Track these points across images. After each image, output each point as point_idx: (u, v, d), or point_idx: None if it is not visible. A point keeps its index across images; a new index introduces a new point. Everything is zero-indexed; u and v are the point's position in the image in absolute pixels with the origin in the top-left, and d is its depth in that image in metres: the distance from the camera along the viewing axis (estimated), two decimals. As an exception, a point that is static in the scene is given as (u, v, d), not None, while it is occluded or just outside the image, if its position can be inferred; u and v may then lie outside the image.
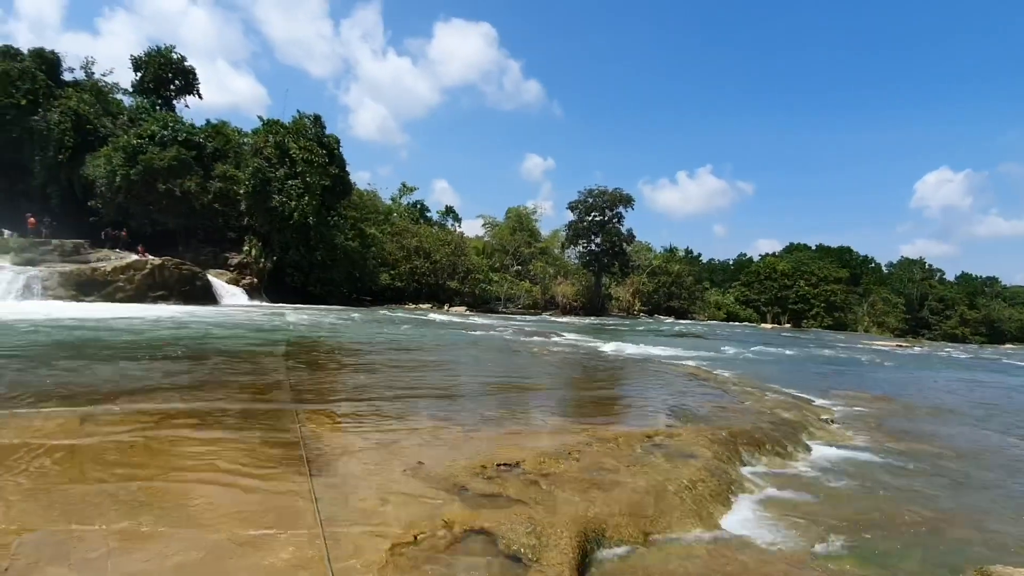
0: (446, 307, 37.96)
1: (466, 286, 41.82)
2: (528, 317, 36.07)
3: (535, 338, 16.19)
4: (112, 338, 9.45)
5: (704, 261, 79.98)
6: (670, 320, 50.34)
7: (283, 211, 29.12)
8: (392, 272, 38.53)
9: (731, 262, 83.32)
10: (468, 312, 35.64)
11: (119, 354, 7.60)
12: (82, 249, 21.68)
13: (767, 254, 79.84)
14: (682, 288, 60.19)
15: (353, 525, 2.46)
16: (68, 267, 19.47)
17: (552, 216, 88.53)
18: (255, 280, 29.03)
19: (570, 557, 2.51)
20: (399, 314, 26.43)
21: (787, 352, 18.53)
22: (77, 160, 26.64)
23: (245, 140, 31.77)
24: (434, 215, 56.75)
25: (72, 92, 28.56)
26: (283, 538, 2.29)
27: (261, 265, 29.74)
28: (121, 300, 19.53)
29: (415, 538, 2.42)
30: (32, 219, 23.98)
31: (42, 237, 22.65)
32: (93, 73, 31.99)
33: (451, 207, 60.07)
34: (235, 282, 27.41)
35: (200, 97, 35.70)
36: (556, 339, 16.39)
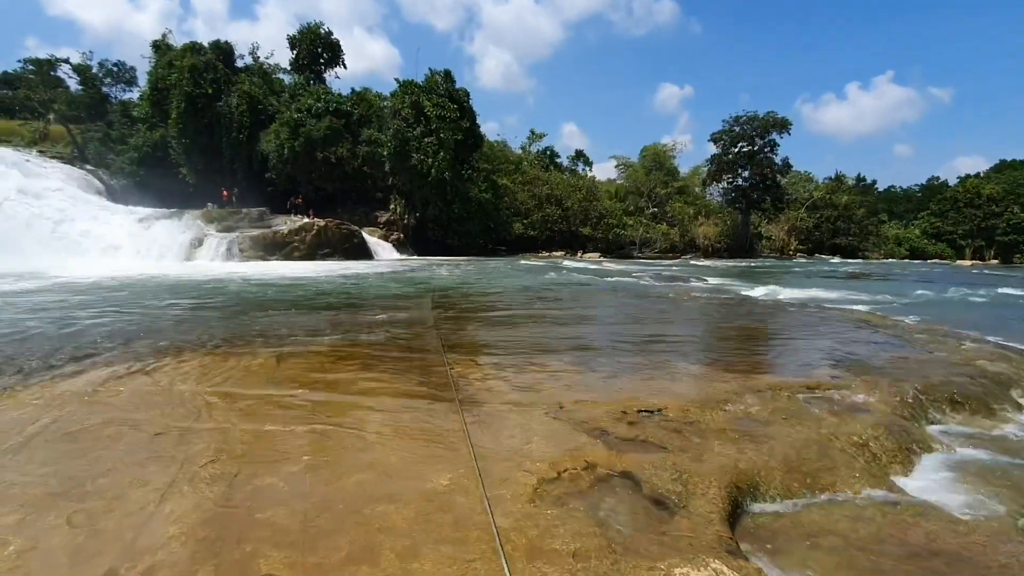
0: (579, 254, 37.83)
1: (599, 232, 41.10)
2: (665, 262, 34.50)
3: (675, 283, 15.48)
4: (296, 291, 11.03)
5: (880, 190, 68.74)
6: (835, 260, 44.62)
7: (421, 168, 30.83)
8: (525, 221, 39.16)
9: (917, 189, 70.53)
10: (602, 258, 35.15)
11: (299, 304, 8.85)
12: (265, 216, 25.30)
13: (968, 175, 66.01)
14: (851, 222, 52.66)
15: (501, 460, 2.61)
16: (255, 232, 22.93)
17: (691, 152, 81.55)
18: (401, 235, 31.55)
19: (719, 507, 2.40)
20: (533, 262, 26.95)
21: (999, 291, 15.40)
22: (254, 137, 30.71)
23: (385, 104, 33.83)
24: (564, 161, 55.88)
25: (244, 77, 32.62)
26: (440, 467, 2.50)
27: (406, 221, 32.12)
28: (297, 258, 22.61)
29: (559, 475, 2.49)
30: (226, 192, 28.49)
31: (234, 207, 26.85)
32: (259, 57, 36.08)
33: (581, 151, 58.59)
34: (385, 238, 30.10)
35: (345, 67, 38.55)
36: (697, 284, 15.49)
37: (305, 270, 17.50)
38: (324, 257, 23.39)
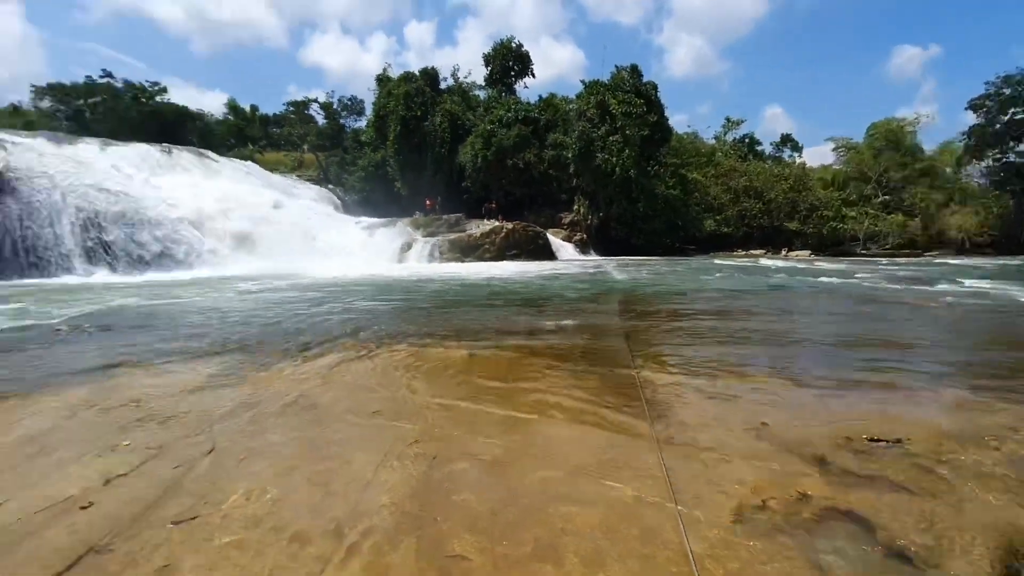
0: (784, 252, 33.70)
1: (809, 226, 36.08)
2: (901, 260, 28.71)
3: (914, 286, 12.74)
4: (486, 289, 11.88)
5: None
6: None
7: (606, 168, 30.72)
8: (718, 217, 36.34)
9: None
10: (813, 256, 30.80)
11: (488, 303, 9.48)
12: (460, 221, 27.85)
13: None
14: None
15: (694, 477, 2.37)
16: (453, 236, 25.39)
17: (937, 126, 66.34)
18: (584, 236, 31.84)
19: (986, 573, 1.84)
20: (728, 262, 24.81)
21: None
22: (454, 151, 34.06)
23: (570, 106, 34.56)
24: (766, 148, 50.40)
25: (446, 97, 36.39)
26: (626, 476, 2.38)
27: (589, 222, 32.33)
28: (488, 259, 24.40)
29: (764, 503, 2.17)
30: (429, 202, 32.14)
31: (436, 214, 30.11)
32: (458, 77, 39.91)
33: (788, 136, 52.28)
34: (568, 239, 30.72)
35: (533, 76, 40.43)
36: (948, 287, 12.52)
37: (494, 270, 18.80)
38: (512, 258, 24.85)
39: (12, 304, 10.17)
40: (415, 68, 43.08)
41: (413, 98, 34.80)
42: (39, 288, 14.16)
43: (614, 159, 30.30)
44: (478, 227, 26.82)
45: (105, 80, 40.45)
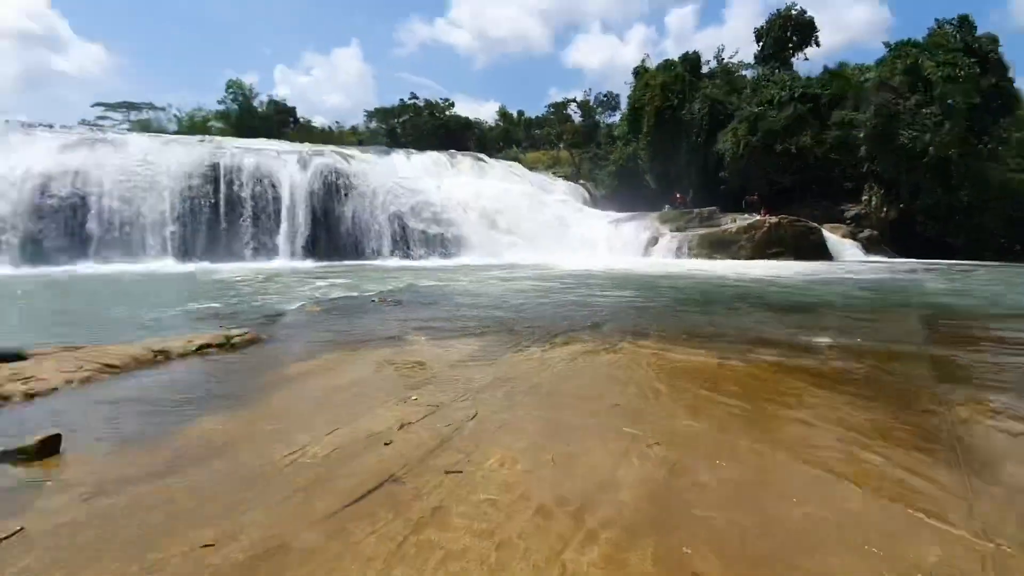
0: None
1: None
2: None
3: None
4: (744, 289, 10.85)
5: None
6: None
7: (913, 148, 24.70)
8: (1096, 211, 25.92)
9: None
10: None
11: (747, 304, 8.62)
12: (714, 215, 25.94)
13: None
14: None
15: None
16: (704, 230, 23.83)
17: None
18: (874, 233, 26.29)
19: None
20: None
21: None
22: (711, 140, 31.84)
23: (867, 76, 28.75)
24: None
25: (707, 82, 34.12)
26: (925, 533, 1.87)
27: (882, 215, 26.58)
28: (743, 257, 22.19)
29: None
30: (679, 196, 30.75)
31: (687, 208, 28.67)
32: (723, 59, 36.97)
33: None
34: (851, 236, 25.78)
35: (817, 45, 34.89)
36: None
37: (753, 269, 17.00)
38: (773, 256, 22.10)
39: (344, 279, 13.54)
40: (674, 55, 41.53)
41: (670, 87, 33.67)
42: (360, 268, 18.51)
43: (927, 136, 24.03)
44: (734, 221, 24.60)
45: (412, 101, 50.24)
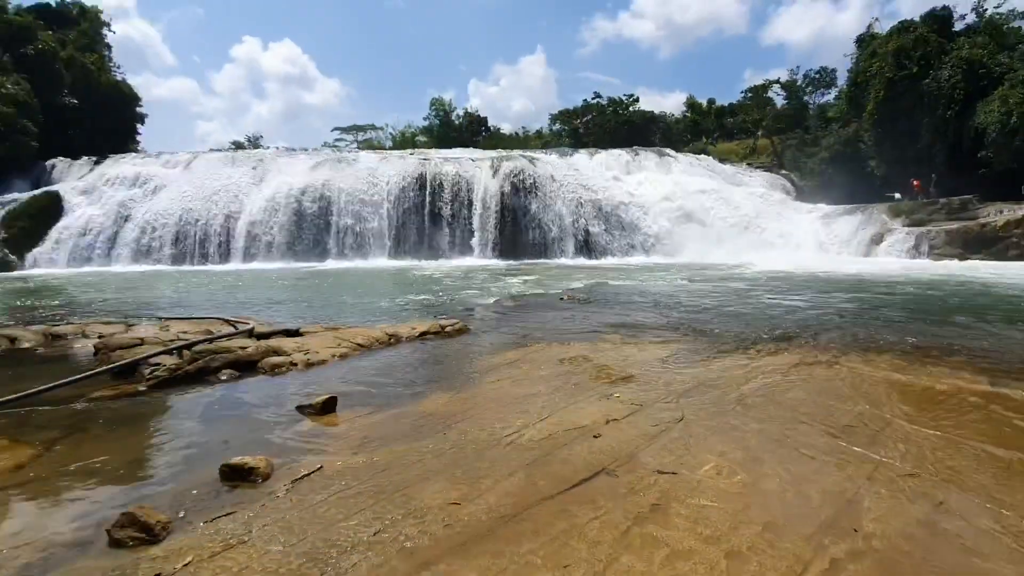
0: None
1: None
2: None
3: None
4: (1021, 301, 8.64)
5: None
6: None
7: None
8: None
9: None
10: None
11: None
12: (969, 205, 20.92)
13: None
14: None
15: None
16: (953, 225, 19.37)
17: None
18: None
19: None
20: None
21: None
22: (966, 112, 25.69)
23: None
24: None
25: (962, 41, 27.62)
26: None
27: None
28: (1013, 257, 17.49)
29: None
30: (916, 182, 25.40)
31: (929, 197, 23.60)
32: (984, 10, 29.58)
33: None
34: None
35: None
36: None
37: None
38: (1060, 257, 16.98)
39: (530, 276, 14.21)
40: (910, 16, 34.56)
41: (908, 52, 27.98)
42: (545, 266, 19.22)
43: None
44: (999, 213, 19.54)
45: (595, 100, 50.32)
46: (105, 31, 38.12)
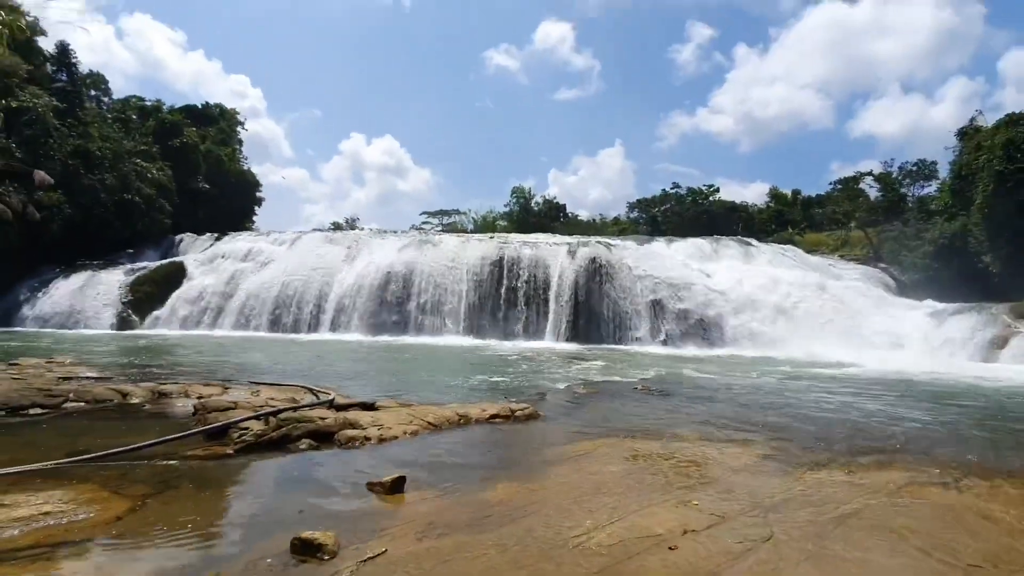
0: None
1: None
2: None
3: None
4: None
5: None
6: None
7: None
8: None
9: None
10: None
11: None
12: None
13: None
14: None
15: None
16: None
17: None
18: None
19: None
20: None
21: None
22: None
23: None
24: None
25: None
26: None
27: None
28: None
29: None
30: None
31: (1061, 298, 20.95)
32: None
33: None
34: None
35: None
36: None
37: None
38: None
39: (602, 362, 13.89)
40: (1014, 108, 32.81)
41: (1019, 145, 26.26)
42: (618, 352, 18.75)
43: None
44: None
45: (674, 190, 50.92)
46: (239, 128, 44.82)
